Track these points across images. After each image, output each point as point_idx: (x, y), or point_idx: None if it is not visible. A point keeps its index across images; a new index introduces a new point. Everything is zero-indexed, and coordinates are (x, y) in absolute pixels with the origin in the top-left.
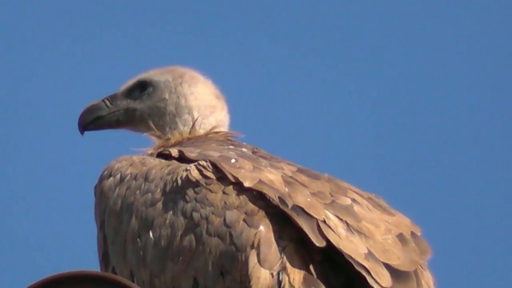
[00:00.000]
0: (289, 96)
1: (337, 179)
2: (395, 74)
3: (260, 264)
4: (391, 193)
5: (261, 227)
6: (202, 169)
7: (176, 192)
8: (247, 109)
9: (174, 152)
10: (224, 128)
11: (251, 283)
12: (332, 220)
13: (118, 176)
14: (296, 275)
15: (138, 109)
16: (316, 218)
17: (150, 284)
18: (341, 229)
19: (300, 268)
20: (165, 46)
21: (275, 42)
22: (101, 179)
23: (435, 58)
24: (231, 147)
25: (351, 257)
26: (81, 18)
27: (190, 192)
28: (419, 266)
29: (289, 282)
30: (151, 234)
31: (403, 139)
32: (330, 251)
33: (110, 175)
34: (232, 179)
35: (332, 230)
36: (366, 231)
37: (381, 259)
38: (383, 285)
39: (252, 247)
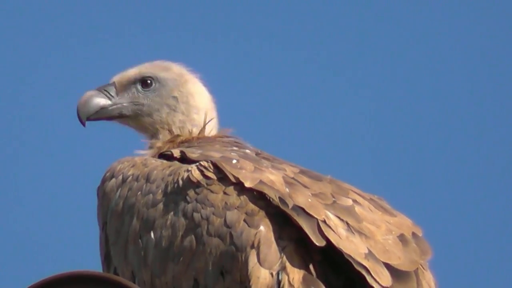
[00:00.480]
0: (291, 98)
1: (339, 180)
2: (398, 75)
3: (260, 264)
4: (393, 194)
5: (261, 227)
6: (203, 169)
7: (177, 193)
8: (249, 112)
9: (176, 152)
10: (214, 129)
11: (250, 283)
12: (333, 220)
13: (120, 177)
14: (295, 274)
15: (145, 104)
16: (316, 218)
17: (151, 284)
18: (341, 229)
19: (299, 267)
20: (164, 45)
21: (276, 43)
22: (104, 180)
23: (438, 58)
24: (234, 148)
25: (351, 256)
26: (78, 17)
27: (191, 192)
28: (420, 266)
29: (289, 281)
30: (152, 234)
31: (405, 141)
32: (330, 251)
33: (112, 176)
34: (233, 180)
35: (332, 230)
36: (367, 232)
37: (381, 259)
38: (383, 285)
39: (252, 247)
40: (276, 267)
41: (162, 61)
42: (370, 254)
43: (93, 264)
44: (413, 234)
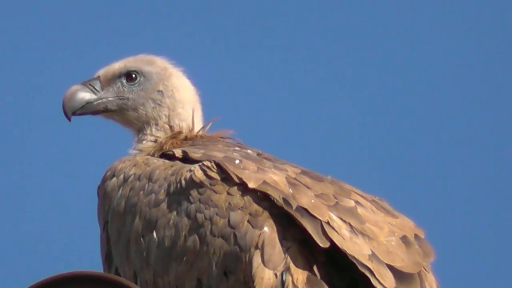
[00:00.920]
0: (292, 99)
1: (340, 181)
2: (401, 76)
3: (264, 265)
4: (395, 196)
5: (265, 228)
6: (207, 169)
7: (180, 193)
8: (250, 112)
9: (178, 152)
10: (200, 123)
11: (254, 283)
12: (336, 221)
13: (122, 176)
14: (299, 275)
15: (130, 98)
16: (320, 220)
17: (154, 284)
18: (344, 230)
19: (303, 268)
20: (164, 45)
21: (277, 42)
22: (105, 179)
23: (439, 58)
24: (237, 148)
25: (355, 258)
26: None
27: (194, 192)
28: (423, 268)
29: (293, 282)
30: (154, 234)
31: (407, 142)
32: (334, 252)
33: (113, 176)
34: (237, 180)
35: (336, 231)
36: (370, 233)
37: (384, 261)
38: (387, 286)
39: (256, 247)
40: (280, 268)
41: (145, 54)
42: (373, 256)
43: (93, 264)
44: (416, 236)
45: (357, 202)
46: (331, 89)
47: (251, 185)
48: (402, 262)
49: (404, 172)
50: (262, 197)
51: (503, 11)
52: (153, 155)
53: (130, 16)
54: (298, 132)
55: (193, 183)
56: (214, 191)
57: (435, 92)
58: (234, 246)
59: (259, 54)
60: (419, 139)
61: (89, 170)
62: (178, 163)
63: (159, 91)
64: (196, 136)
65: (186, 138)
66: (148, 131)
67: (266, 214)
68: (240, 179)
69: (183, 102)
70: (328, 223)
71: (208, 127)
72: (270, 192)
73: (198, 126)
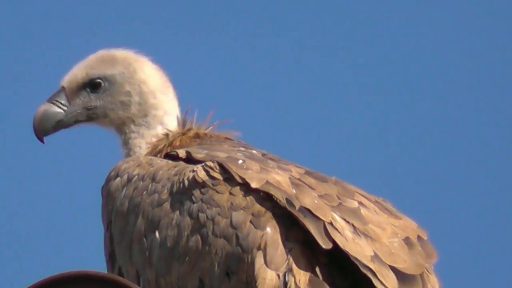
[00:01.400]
0: (296, 98)
1: (344, 181)
2: (404, 77)
3: (267, 265)
4: (398, 197)
5: (268, 229)
6: (209, 170)
7: (182, 193)
8: (254, 112)
9: (181, 153)
10: (176, 107)
11: (257, 284)
12: (339, 222)
13: (125, 176)
14: (302, 276)
15: (98, 106)
16: (323, 220)
17: (156, 284)
18: (347, 231)
19: (306, 270)
20: (163, 43)
21: (282, 43)
22: (108, 179)
23: (445, 59)
24: (241, 148)
25: (357, 259)
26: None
27: (196, 192)
28: (425, 270)
29: (295, 283)
30: (157, 234)
31: (411, 143)
32: (336, 253)
33: (117, 176)
34: (239, 180)
35: (339, 232)
36: (373, 234)
37: (387, 262)
38: None
39: (259, 248)
40: (283, 269)
41: (105, 50)
42: (376, 257)
43: (97, 264)
44: (418, 237)
45: (360, 203)
46: (335, 89)
47: (253, 185)
48: (405, 263)
49: (408, 173)
50: (265, 198)
51: None
52: (161, 150)
53: (129, 16)
54: (301, 132)
55: (195, 183)
56: (217, 191)
57: (438, 92)
58: (237, 246)
59: (265, 54)
60: (423, 139)
61: (93, 170)
62: (182, 163)
63: (126, 92)
64: (206, 134)
65: (195, 136)
66: (129, 128)
67: (268, 214)
68: (242, 179)
69: (153, 92)
70: (331, 223)
71: (211, 125)
72: (273, 192)
73: (174, 108)
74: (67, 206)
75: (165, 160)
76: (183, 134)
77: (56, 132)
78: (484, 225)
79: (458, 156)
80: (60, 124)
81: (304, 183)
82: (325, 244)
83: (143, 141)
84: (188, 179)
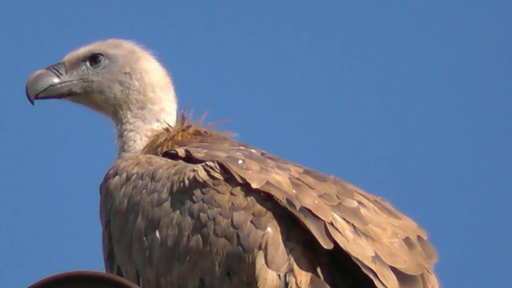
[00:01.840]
0: (295, 97)
1: (343, 180)
2: (404, 75)
3: (267, 266)
4: (397, 196)
5: (269, 229)
6: (210, 169)
7: (183, 192)
8: (252, 112)
9: (181, 152)
10: (174, 105)
11: (258, 284)
12: (339, 222)
13: (124, 175)
14: (303, 277)
15: (95, 81)
16: (323, 220)
17: (156, 283)
18: (348, 231)
19: (307, 270)
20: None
21: (283, 42)
22: (107, 178)
23: (447, 58)
24: (241, 148)
25: (358, 259)
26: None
27: (197, 192)
28: (426, 270)
29: (296, 283)
30: (157, 233)
31: (409, 142)
32: (337, 253)
33: (116, 174)
34: (240, 180)
35: (340, 232)
36: (373, 234)
37: (388, 263)
38: None
39: (260, 248)
40: (284, 269)
41: (114, 39)
42: (377, 257)
43: (95, 263)
44: (418, 237)
45: (359, 202)
46: (334, 88)
47: (254, 185)
48: (405, 264)
49: (406, 172)
50: (266, 198)
51: None
52: (161, 144)
53: (129, 16)
54: (301, 131)
55: (196, 183)
56: (218, 191)
57: (438, 92)
58: (237, 246)
59: (262, 53)
60: (422, 139)
61: (91, 168)
62: (181, 162)
63: (126, 73)
64: (206, 132)
65: (195, 133)
66: (125, 117)
67: (269, 214)
68: (243, 179)
69: (153, 85)
70: (331, 224)
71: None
72: (274, 192)
73: (172, 109)
74: (66, 205)
75: (164, 159)
76: (183, 130)
77: (48, 99)
78: (484, 225)
79: (458, 156)
80: (52, 89)
81: (304, 182)
82: (326, 245)
83: (138, 136)
84: (188, 178)
